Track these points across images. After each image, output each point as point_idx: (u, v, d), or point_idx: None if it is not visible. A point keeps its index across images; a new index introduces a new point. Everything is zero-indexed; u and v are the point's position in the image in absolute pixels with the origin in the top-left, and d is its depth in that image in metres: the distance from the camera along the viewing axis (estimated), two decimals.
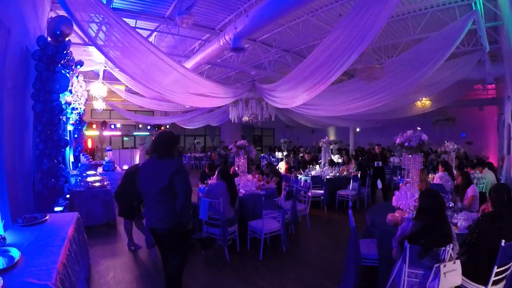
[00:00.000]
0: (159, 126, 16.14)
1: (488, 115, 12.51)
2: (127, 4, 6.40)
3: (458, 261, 2.23)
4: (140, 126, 16.75)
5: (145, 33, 6.81)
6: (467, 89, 9.96)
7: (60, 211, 3.91)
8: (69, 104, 5.35)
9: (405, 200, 3.45)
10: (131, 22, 6.75)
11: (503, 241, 2.19)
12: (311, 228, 5.43)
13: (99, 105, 9.68)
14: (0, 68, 2.65)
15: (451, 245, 2.19)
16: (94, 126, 14.57)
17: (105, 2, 5.20)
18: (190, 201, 2.62)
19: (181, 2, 5.73)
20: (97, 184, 5.83)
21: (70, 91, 5.03)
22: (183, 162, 8.81)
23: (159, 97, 8.88)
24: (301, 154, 12.77)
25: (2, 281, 1.63)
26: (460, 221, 3.01)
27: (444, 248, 2.18)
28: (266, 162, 10.08)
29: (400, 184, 4.20)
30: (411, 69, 5.57)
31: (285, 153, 14.63)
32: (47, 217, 2.89)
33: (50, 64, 3.60)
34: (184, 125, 15.67)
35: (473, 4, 5.66)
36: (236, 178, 5.08)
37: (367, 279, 3.17)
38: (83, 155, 8.63)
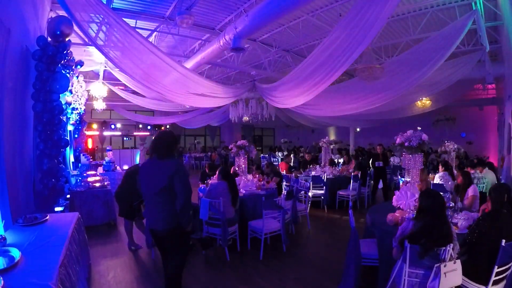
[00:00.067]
0: (159, 126, 16.15)
1: (488, 115, 12.52)
2: (127, 4, 6.40)
3: (458, 261, 2.23)
4: (140, 126, 16.75)
5: (145, 33, 6.81)
6: (467, 89, 9.96)
7: (61, 211, 3.92)
8: (69, 104, 5.35)
9: (405, 200, 3.45)
10: (131, 22, 6.75)
11: (503, 241, 2.19)
12: (311, 228, 5.43)
13: (99, 105, 9.69)
14: (0, 68, 2.66)
15: (452, 245, 2.19)
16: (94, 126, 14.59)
17: (105, 2, 5.20)
18: (190, 201, 2.60)
19: (181, 2, 5.73)
20: (97, 184, 5.83)
21: (70, 91, 5.03)
22: (183, 163, 8.82)
23: (159, 97, 8.89)
24: (301, 154, 12.77)
25: (2, 281, 1.63)
26: (460, 221, 3.01)
27: (444, 248, 2.18)
28: (266, 162, 10.08)
29: (401, 184, 4.20)
30: (411, 69, 5.57)
31: (285, 153, 14.63)
32: (47, 217, 2.89)
33: (50, 64, 3.61)
34: (184, 125, 15.67)
35: (473, 4, 5.66)
36: (236, 178, 5.08)
37: (367, 279, 3.16)
38: (83, 155, 8.64)
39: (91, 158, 9.50)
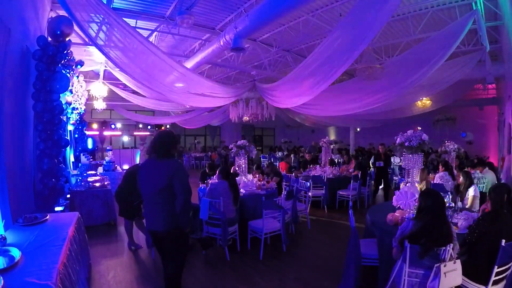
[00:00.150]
0: (159, 126, 16.16)
1: (488, 115, 12.51)
2: (127, 4, 6.40)
3: (458, 261, 2.23)
4: (141, 126, 16.76)
5: (145, 33, 6.82)
6: (467, 89, 9.95)
7: (61, 211, 3.92)
8: (70, 104, 5.35)
9: (405, 200, 3.46)
10: (132, 22, 6.75)
11: (503, 241, 2.19)
12: (311, 228, 5.43)
13: (99, 105, 9.69)
14: (0, 68, 2.66)
15: (451, 245, 2.19)
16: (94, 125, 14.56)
17: (105, 2, 5.20)
18: (189, 202, 2.57)
19: (181, 2, 5.73)
20: (97, 184, 5.84)
21: (71, 91, 5.03)
22: (182, 163, 8.82)
23: (160, 97, 8.89)
24: (301, 154, 12.78)
25: (2, 281, 1.63)
26: (460, 221, 3.01)
27: (444, 248, 2.18)
28: (268, 161, 10.09)
29: (401, 184, 4.20)
30: (411, 69, 5.57)
31: (285, 153, 14.62)
32: (47, 217, 2.89)
33: (50, 64, 3.61)
34: (184, 125, 15.68)
35: (473, 4, 5.65)
36: (236, 178, 5.09)
37: (367, 279, 3.16)
38: (83, 155, 8.65)
39: (91, 158, 9.49)
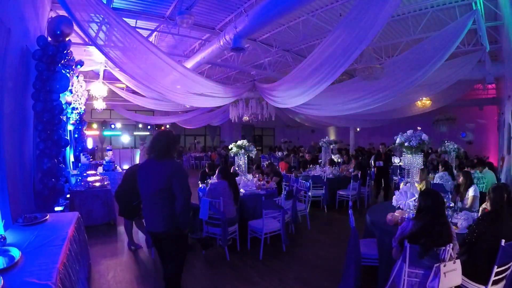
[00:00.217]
0: (159, 125, 16.16)
1: (488, 115, 12.52)
2: (127, 4, 6.40)
3: (458, 261, 2.23)
4: (140, 125, 16.77)
5: (145, 33, 6.81)
6: (467, 89, 9.96)
7: (61, 211, 3.92)
8: (69, 104, 5.36)
9: (405, 200, 3.46)
10: (131, 22, 6.75)
11: (503, 240, 2.19)
12: (311, 228, 5.43)
13: (99, 105, 9.70)
14: (0, 68, 2.66)
15: (451, 244, 2.19)
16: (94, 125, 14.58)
17: (105, 2, 5.20)
18: (189, 203, 2.55)
19: (181, 2, 5.73)
20: (97, 184, 5.83)
21: (71, 91, 5.04)
22: (182, 163, 8.79)
23: (159, 97, 8.89)
24: (301, 154, 12.78)
25: (2, 280, 1.63)
26: (460, 221, 3.01)
27: (444, 247, 2.18)
28: (267, 161, 10.09)
29: (401, 184, 4.20)
30: (411, 69, 5.57)
31: (285, 153, 14.62)
32: (47, 217, 2.89)
33: (50, 64, 3.61)
34: (184, 125, 15.69)
35: (473, 4, 5.66)
36: (236, 178, 5.08)
37: (367, 279, 3.16)
38: (83, 154, 8.65)
39: (91, 158, 9.50)
